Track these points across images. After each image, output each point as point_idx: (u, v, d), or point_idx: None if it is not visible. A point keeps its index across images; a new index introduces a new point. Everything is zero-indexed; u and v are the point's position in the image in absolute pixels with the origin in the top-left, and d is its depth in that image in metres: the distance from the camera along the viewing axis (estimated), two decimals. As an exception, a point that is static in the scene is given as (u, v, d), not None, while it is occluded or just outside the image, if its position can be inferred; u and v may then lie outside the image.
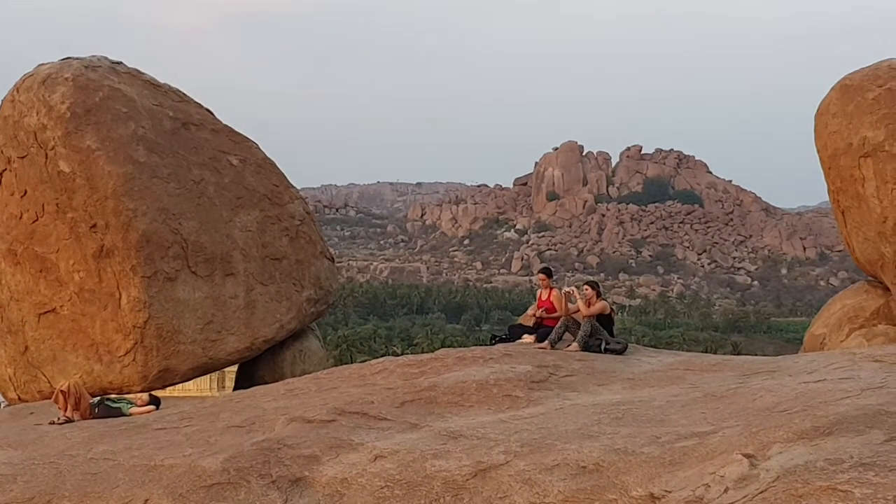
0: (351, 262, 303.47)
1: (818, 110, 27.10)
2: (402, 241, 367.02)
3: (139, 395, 21.85)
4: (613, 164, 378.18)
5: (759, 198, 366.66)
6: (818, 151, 27.17)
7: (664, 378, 16.40)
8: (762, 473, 9.85)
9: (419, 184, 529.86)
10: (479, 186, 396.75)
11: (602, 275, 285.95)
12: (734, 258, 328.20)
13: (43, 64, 25.67)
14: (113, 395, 22.51)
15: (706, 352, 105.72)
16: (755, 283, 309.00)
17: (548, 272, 22.03)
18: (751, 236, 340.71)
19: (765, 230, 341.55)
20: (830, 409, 11.42)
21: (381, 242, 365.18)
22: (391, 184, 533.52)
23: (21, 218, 25.09)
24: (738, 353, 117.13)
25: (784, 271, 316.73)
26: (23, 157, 24.90)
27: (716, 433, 11.57)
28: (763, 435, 10.88)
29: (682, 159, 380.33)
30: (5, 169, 25.40)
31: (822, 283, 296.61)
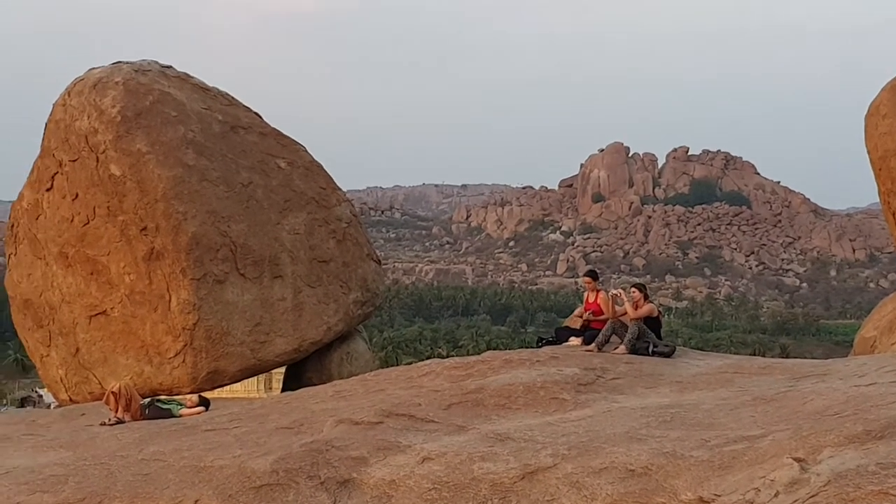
0: (396, 264, 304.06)
1: (868, 111, 26.87)
2: (448, 242, 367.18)
3: (189, 396, 22.00)
4: (660, 166, 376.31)
5: (808, 199, 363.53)
6: (868, 153, 26.93)
7: (713, 381, 16.30)
8: (813, 478, 9.78)
9: (464, 186, 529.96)
10: (524, 188, 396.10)
11: (648, 277, 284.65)
12: (782, 260, 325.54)
13: (94, 68, 25.96)
14: (163, 397, 22.70)
15: (754, 354, 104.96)
16: (804, 284, 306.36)
17: (594, 275, 21.96)
18: (799, 238, 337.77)
19: (813, 231, 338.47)
20: (882, 412, 11.32)
21: (427, 244, 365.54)
22: (436, 186, 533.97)
23: (72, 221, 25.37)
24: (787, 356, 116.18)
25: (833, 273, 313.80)
26: (74, 161, 25.20)
27: (766, 437, 11.50)
28: (814, 439, 10.80)
29: (729, 160, 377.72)
30: (57, 172, 25.71)
31: (871, 284, 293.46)
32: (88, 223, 25.13)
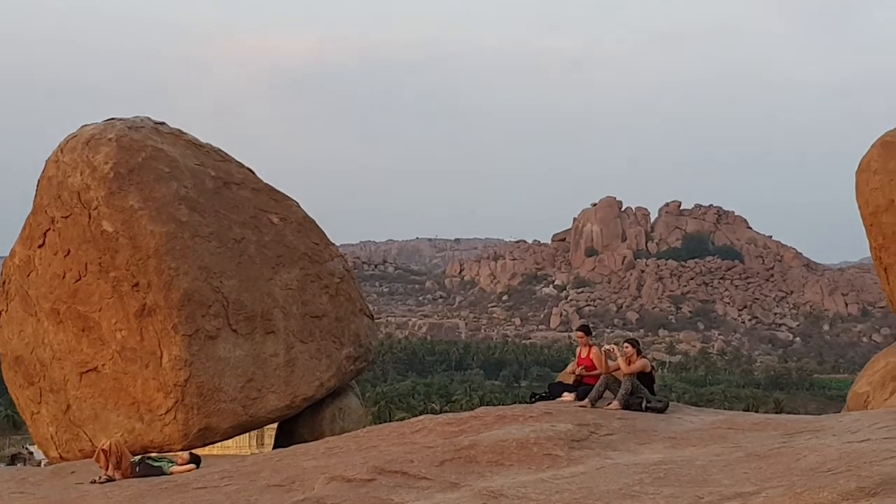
0: (389, 318, 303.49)
1: (859, 167, 27.00)
2: (441, 297, 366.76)
3: (180, 453, 21.89)
4: (652, 220, 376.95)
5: (800, 253, 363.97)
6: (860, 208, 27.03)
7: (706, 437, 16.26)
8: (807, 535, 9.74)
9: (457, 240, 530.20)
10: (517, 242, 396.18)
11: (641, 331, 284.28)
12: (775, 314, 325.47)
13: (87, 125, 26.06)
14: (154, 454, 22.58)
15: (748, 409, 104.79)
16: (797, 339, 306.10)
17: (586, 330, 21.97)
18: (792, 292, 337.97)
19: (806, 286, 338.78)
20: (875, 469, 11.29)
21: (420, 298, 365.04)
22: (429, 240, 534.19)
23: (64, 277, 25.34)
24: (781, 411, 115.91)
25: (826, 327, 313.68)
26: (66, 217, 25.22)
27: (759, 493, 11.46)
28: (808, 496, 10.76)
29: (721, 215, 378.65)
30: (49, 229, 25.72)
31: (864, 339, 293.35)
32: (80, 279, 25.11)
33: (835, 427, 15.61)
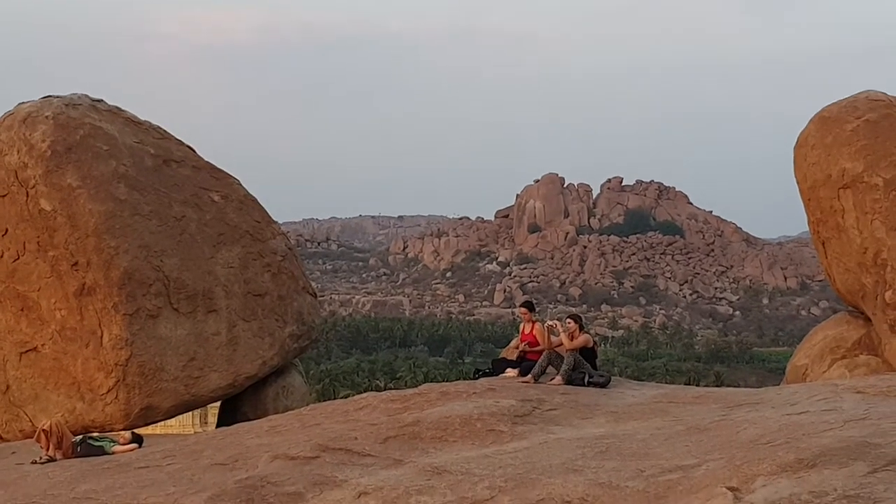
0: (333, 296, 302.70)
1: (797, 142, 27.30)
2: (385, 274, 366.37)
3: (121, 433, 21.74)
4: (594, 196, 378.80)
5: (740, 228, 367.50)
6: (798, 183, 27.35)
7: (648, 411, 16.41)
8: (746, 507, 9.86)
9: (401, 217, 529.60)
10: (460, 219, 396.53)
11: (584, 306, 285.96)
12: (716, 288, 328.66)
13: (23, 103, 25.68)
14: (95, 434, 22.36)
15: (689, 382, 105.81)
16: (737, 313, 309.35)
17: (530, 306, 22.06)
18: (732, 266, 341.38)
19: (746, 260, 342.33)
20: (814, 441, 11.46)
21: (364, 276, 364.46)
22: (373, 217, 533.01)
23: (2, 257, 25.03)
24: (721, 384, 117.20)
25: (765, 301, 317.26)
26: (3, 196, 24.88)
27: (700, 466, 11.59)
28: (747, 468, 10.89)
29: (662, 190, 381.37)
30: (-14, 207, 25.34)
31: (803, 312, 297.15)
32: (18, 259, 24.80)
33: (774, 400, 15.81)
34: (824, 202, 26.25)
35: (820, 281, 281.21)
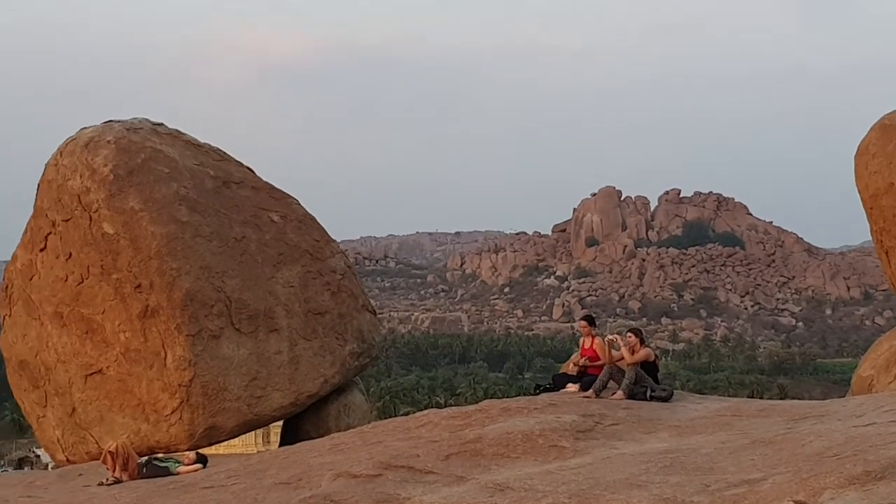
0: (392, 313, 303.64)
1: (858, 150, 26.98)
2: (443, 290, 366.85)
3: (186, 453, 21.91)
4: (652, 209, 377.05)
5: (801, 238, 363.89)
6: (859, 192, 27.02)
7: (711, 424, 16.27)
8: (814, 520, 9.75)
9: (457, 233, 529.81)
10: (517, 234, 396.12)
11: (644, 319, 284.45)
12: (777, 300, 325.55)
13: (85, 127, 26.06)
14: (160, 455, 22.60)
15: (752, 395, 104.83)
16: (799, 324, 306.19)
17: (590, 320, 21.95)
18: (794, 277, 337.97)
19: (807, 270, 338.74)
20: (881, 452, 11.30)
21: (422, 292, 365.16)
22: (430, 234, 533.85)
23: (66, 280, 25.36)
24: (785, 396, 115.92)
25: (828, 312, 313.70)
26: (67, 220, 25.23)
27: (766, 480, 11.47)
28: (814, 481, 10.77)
29: (721, 201, 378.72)
30: (50, 232, 25.73)
31: (867, 322, 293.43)
32: (82, 282, 25.13)
33: (839, 411, 15.62)
34: (887, 211, 25.90)
35: (884, 290, 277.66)
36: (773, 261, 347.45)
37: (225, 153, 27.52)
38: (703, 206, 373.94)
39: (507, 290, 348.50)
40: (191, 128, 27.39)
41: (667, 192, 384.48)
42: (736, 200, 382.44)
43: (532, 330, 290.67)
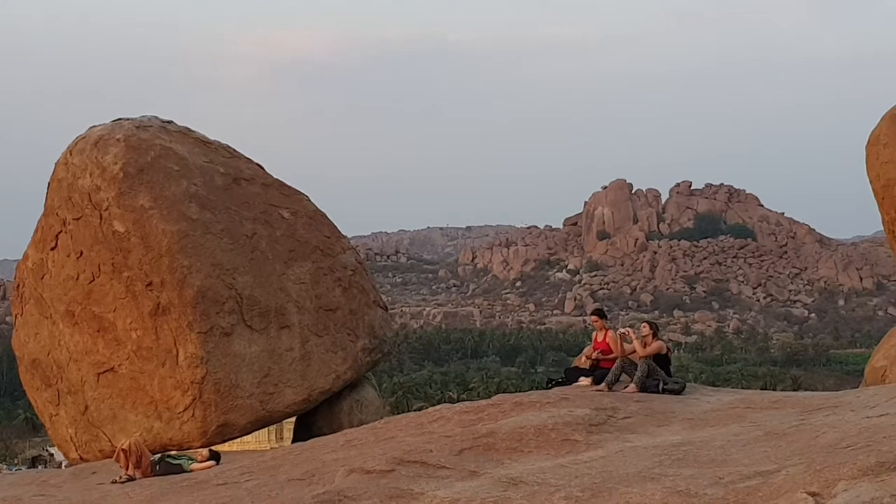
0: (404, 309, 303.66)
1: (869, 140, 26.89)
2: (454, 285, 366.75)
3: (199, 450, 21.94)
4: (663, 201, 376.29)
5: (813, 229, 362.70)
6: (871, 182, 26.93)
7: (724, 417, 16.24)
8: (828, 512, 9.72)
9: (468, 228, 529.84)
10: (528, 228, 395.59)
11: (656, 312, 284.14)
12: (790, 291, 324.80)
13: (95, 126, 26.09)
14: (173, 452, 22.63)
15: (765, 387, 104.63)
16: (812, 315, 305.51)
17: (601, 314, 21.92)
18: (806, 268, 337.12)
19: (820, 261, 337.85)
20: (895, 443, 11.26)
21: (433, 287, 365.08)
22: (441, 229, 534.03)
23: (77, 279, 25.41)
24: (798, 388, 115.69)
25: (841, 302, 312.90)
26: (77, 219, 25.27)
27: (779, 472, 11.44)
28: (827, 472, 10.74)
29: (732, 193, 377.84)
30: (61, 231, 25.78)
31: (880, 313, 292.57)
32: (94, 280, 25.17)
33: (853, 403, 15.58)
34: (898, 200, 25.80)
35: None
36: (786, 252, 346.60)
37: (234, 150, 27.52)
38: (715, 198, 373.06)
39: (518, 284, 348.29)
40: (200, 125, 27.46)
41: (678, 185, 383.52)
42: (747, 192, 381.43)
43: (544, 324, 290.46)
